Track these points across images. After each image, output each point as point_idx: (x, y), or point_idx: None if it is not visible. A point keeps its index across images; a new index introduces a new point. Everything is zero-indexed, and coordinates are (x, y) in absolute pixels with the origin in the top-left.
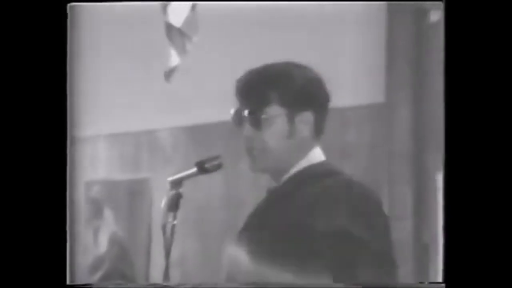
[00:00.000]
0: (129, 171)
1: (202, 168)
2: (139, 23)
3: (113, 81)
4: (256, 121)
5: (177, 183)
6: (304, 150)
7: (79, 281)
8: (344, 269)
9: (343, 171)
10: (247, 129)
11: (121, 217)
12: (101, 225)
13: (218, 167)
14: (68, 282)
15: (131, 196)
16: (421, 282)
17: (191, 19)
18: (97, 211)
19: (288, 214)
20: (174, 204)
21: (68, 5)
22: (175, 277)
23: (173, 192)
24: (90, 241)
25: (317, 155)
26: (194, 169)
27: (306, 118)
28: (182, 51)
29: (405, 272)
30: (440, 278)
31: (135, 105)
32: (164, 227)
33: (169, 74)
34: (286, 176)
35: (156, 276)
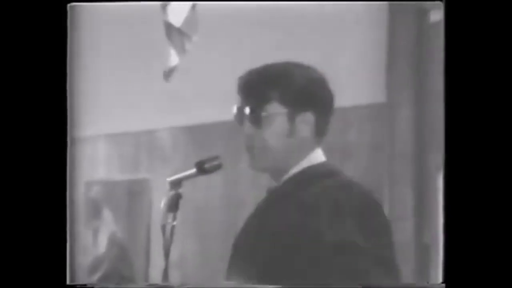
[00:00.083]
0: (128, 171)
1: (202, 168)
2: (139, 23)
3: (113, 81)
4: (257, 119)
5: (176, 184)
6: (305, 150)
7: (79, 281)
8: (344, 274)
9: (343, 172)
10: (248, 127)
11: (120, 218)
12: (100, 225)
13: (218, 167)
14: (68, 282)
15: (131, 196)
16: (421, 283)
17: (191, 19)
18: (96, 211)
19: (288, 214)
20: (173, 205)
21: (68, 5)
22: (175, 277)
23: (173, 192)
24: (90, 241)
25: (317, 156)
26: (194, 170)
27: (307, 118)
28: (181, 51)
29: (405, 273)
30: (440, 279)
31: (135, 105)
32: (163, 228)
33: (168, 73)
34: (286, 176)
35: (156, 276)
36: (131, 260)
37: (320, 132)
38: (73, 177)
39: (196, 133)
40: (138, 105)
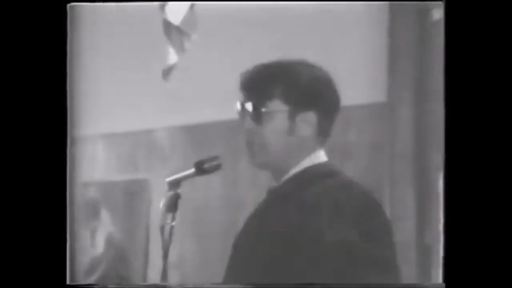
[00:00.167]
0: (127, 171)
1: (201, 168)
2: (139, 23)
3: (112, 81)
4: (257, 115)
5: (175, 184)
6: (306, 150)
7: (79, 281)
8: (344, 274)
9: (343, 172)
10: (248, 122)
11: (119, 218)
12: (99, 225)
13: (217, 167)
14: (68, 282)
15: (129, 196)
16: (422, 283)
17: (190, 17)
18: (94, 211)
19: (288, 214)
20: (172, 205)
21: (68, 5)
22: (174, 278)
23: (172, 192)
24: (88, 242)
25: (319, 156)
26: (193, 170)
27: (308, 118)
28: (180, 49)
29: (406, 273)
30: (441, 279)
31: (134, 105)
32: (162, 228)
33: (167, 72)
34: (286, 176)
35: (154, 277)
36: (130, 260)
37: (323, 132)
38: (73, 177)
39: (195, 133)
40: (137, 105)
